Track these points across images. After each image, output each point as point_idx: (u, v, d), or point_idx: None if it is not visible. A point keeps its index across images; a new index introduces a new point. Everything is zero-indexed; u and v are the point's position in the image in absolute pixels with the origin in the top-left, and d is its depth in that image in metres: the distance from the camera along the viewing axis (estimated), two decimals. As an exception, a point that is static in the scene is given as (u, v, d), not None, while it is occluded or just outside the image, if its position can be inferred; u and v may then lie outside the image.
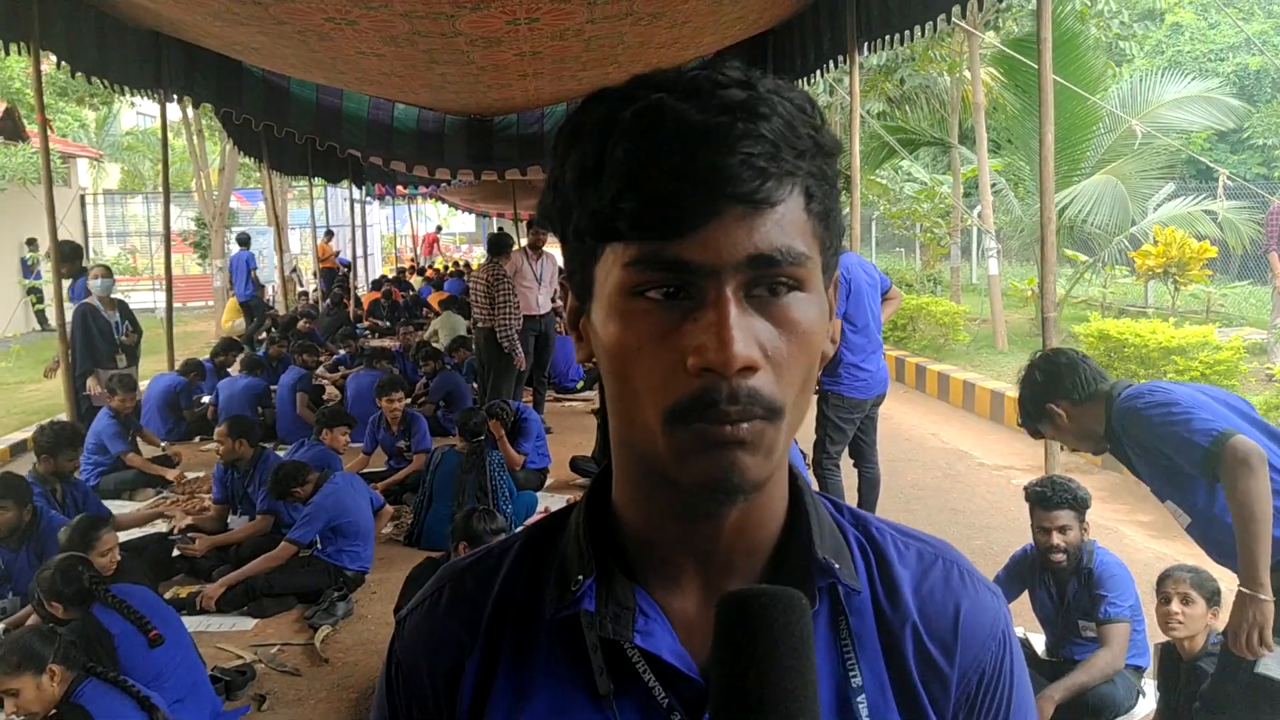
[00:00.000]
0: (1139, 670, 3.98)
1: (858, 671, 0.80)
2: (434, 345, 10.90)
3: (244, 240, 15.75)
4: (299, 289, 19.11)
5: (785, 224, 0.70)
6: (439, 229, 36.80)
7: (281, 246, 15.52)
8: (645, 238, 0.69)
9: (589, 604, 0.79)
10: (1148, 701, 3.88)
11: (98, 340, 8.03)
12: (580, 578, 0.80)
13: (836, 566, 0.80)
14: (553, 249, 10.46)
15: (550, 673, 0.81)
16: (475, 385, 9.35)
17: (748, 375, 0.69)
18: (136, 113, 32.00)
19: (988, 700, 0.84)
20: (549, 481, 7.37)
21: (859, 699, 0.79)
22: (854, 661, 0.80)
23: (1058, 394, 3.25)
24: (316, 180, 16.61)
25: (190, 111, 16.58)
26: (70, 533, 4.39)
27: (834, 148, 0.74)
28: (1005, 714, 0.85)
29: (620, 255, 0.71)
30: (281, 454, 6.68)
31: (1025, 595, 4.27)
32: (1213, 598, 3.38)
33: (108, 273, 8.34)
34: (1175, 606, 3.36)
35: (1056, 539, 3.91)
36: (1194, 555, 5.70)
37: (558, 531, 0.87)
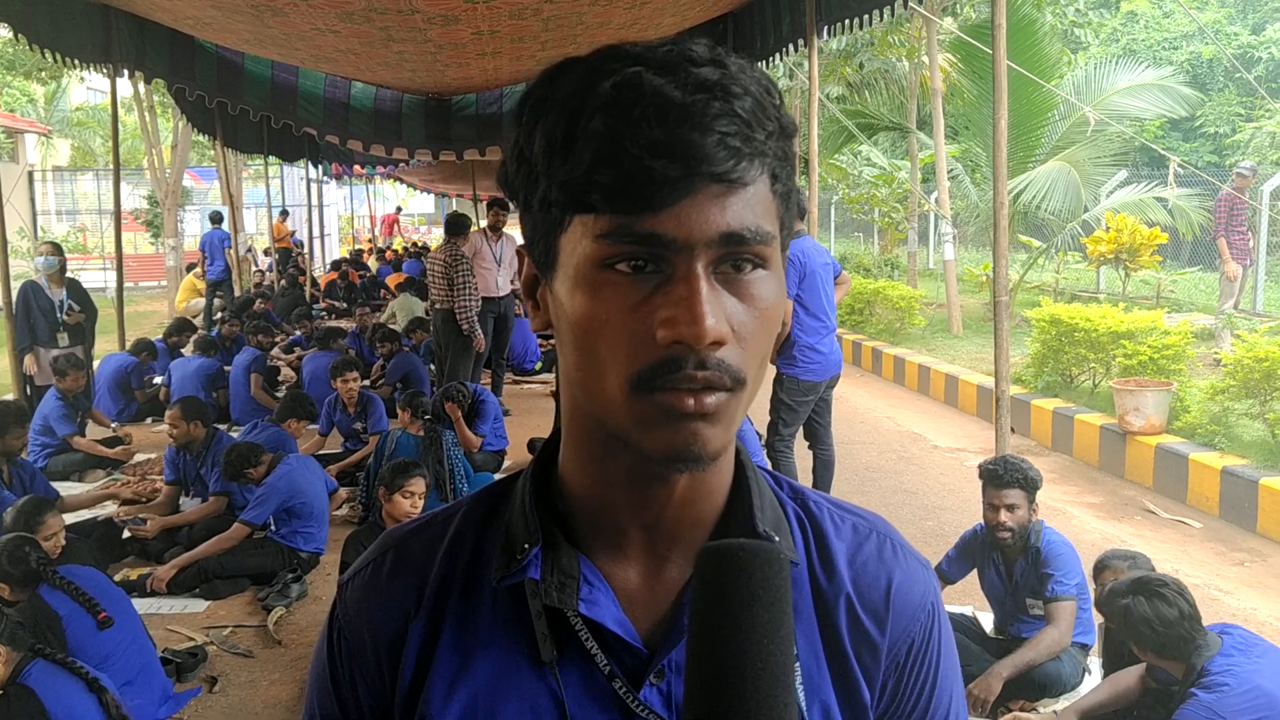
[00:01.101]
0: (1085, 648, 4.06)
1: (794, 641, 0.81)
2: (391, 327, 10.81)
3: (217, 219, 15.51)
4: (254, 269, 18.87)
5: (754, 203, 0.71)
6: (399, 210, 36.40)
7: (236, 226, 15.28)
8: (618, 210, 0.70)
9: (534, 572, 0.80)
10: (1093, 678, 3.96)
11: (38, 318, 7.91)
12: (526, 546, 0.80)
13: (776, 539, 0.81)
14: (512, 230, 10.42)
15: (494, 639, 0.82)
16: (433, 367, 9.30)
17: (716, 349, 0.70)
18: (86, 88, 31.38)
19: (916, 669, 0.86)
20: (506, 463, 7.35)
21: (794, 666, 0.80)
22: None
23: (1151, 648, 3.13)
24: (272, 159, 16.37)
25: (142, 87, 16.29)
26: (15, 515, 4.32)
27: (793, 129, 0.75)
28: (933, 682, 0.87)
29: (590, 227, 0.71)
30: (235, 436, 6.60)
31: (974, 574, 4.34)
32: None
33: (55, 250, 8.19)
34: None
35: (1005, 517, 3.98)
36: (1140, 537, 5.84)
37: (503, 499, 0.87)
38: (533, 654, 0.80)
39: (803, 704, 0.80)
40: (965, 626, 4.29)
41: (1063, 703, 3.85)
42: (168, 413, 6.14)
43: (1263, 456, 6.23)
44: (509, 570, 0.80)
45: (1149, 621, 3.02)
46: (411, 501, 4.44)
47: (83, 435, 7.59)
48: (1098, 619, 3.91)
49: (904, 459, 7.69)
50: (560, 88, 0.73)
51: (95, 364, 8.91)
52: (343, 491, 6.75)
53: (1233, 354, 6.78)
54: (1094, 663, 4.06)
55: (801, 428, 5.77)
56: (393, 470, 4.50)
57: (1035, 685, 3.88)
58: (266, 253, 19.52)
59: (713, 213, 0.69)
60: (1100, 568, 3.49)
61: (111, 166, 9.75)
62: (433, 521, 0.89)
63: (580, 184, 0.70)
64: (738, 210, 0.70)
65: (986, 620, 4.42)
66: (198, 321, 13.79)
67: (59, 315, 8.00)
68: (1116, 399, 7.11)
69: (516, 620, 0.82)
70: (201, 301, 15.54)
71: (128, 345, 9.57)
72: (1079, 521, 6.11)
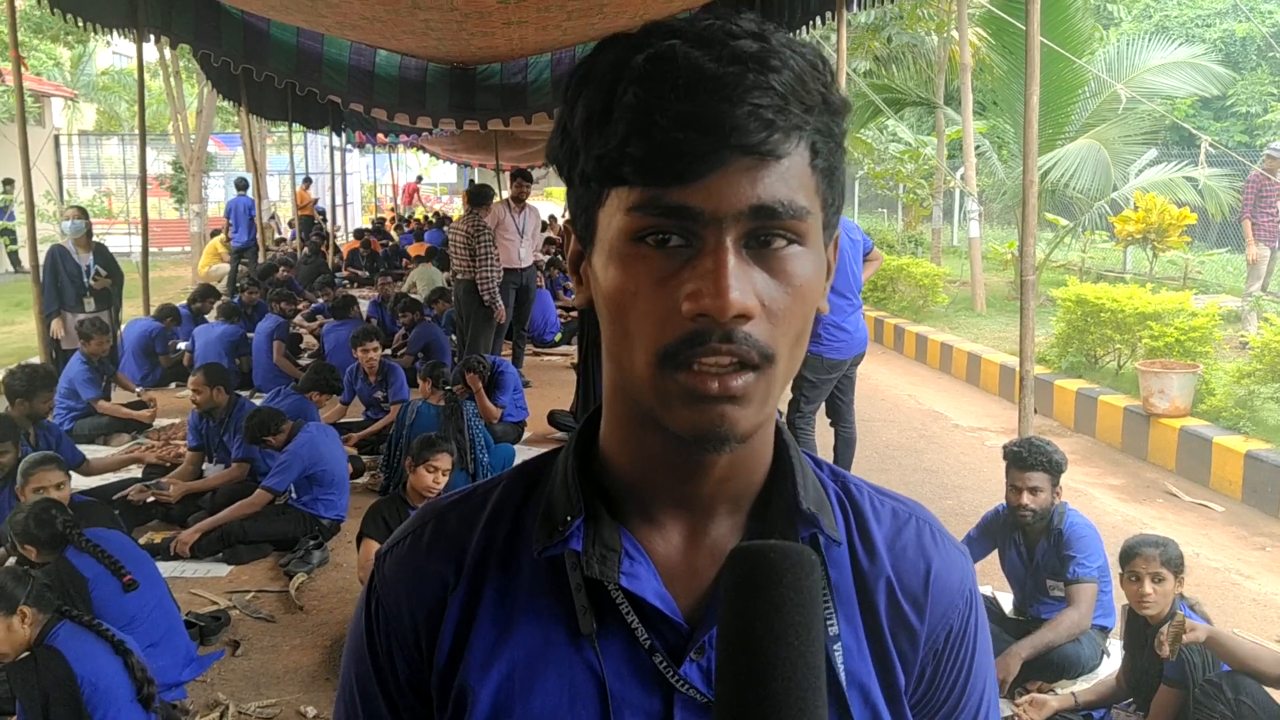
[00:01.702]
0: (1104, 630, 4.05)
1: (835, 621, 0.81)
2: (412, 296, 10.84)
3: (242, 185, 15.54)
4: (276, 236, 18.92)
5: (789, 177, 0.70)
6: (419, 179, 36.43)
7: (260, 193, 15.31)
8: (649, 183, 0.69)
9: (576, 544, 0.80)
10: (1112, 661, 3.95)
11: (66, 283, 7.96)
12: (569, 518, 0.80)
13: (820, 518, 0.81)
14: (535, 201, 10.40)
15: (533, 610, 0.82)
16: (454, 338, 9.32)
17: (741, 322, 0.69)
18: (112, 52, 31.47)
19: (953, 656, 0.86)
20: (526, 435, 7.37)
21: (835, 647, 0.80)
22: (832, 611, 0.81)
23: None
24: (296, 126, 16.37)
25: (168, 52, 16.29)
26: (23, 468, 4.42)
27: (842, 106, 0.74)
28: (969, 670, 0.87)
29: (624, 200, 0.71)
30: (257, 402, 6.64)
31: (994, 554, 4.33)
32: (1181, 567, 3.42)
33: (81, 214, 8.22)
34: (1148, 587, 3.38)
35: (1027, 499, 3.96)
36: (1162, 520, 5.81)
37: (543, 473, 0.87)
38: (571, 626, 0.80)
39: (844, 682, 0.80)
40: (985, 606, 4.27)
41: (1080, 684, 3.85)
42: (191, 378, 6.18)
43: (1288, 441, 6.18)
44: (550, 542, 0.80)
45: None
46: (434, 476, 4.46)
47: (108, 399, 7.65)
48: (1119, 601, 3.89)
49: (925, 437, 7.66)
50: (601, 62, 0.73)
51: (121, 328, 8.98)
52: (365, 459, 6.79)
53: (1260, 337, 6.71)
54: (1113, 645, 4.05)
55: (824, 404, 5.75)
56: (420, 444, 4.51)
57: (1054, 666, 3.88)
58: (291, 224, 19.56)
59: (743, 185, 0.69)
60: (1130, 555, 3.45)
61: (137, 131, 9.78)
62: (472, 494, 0.89)
63: (614, 157, 0.70)
64: (770, 183, 0.69)
65: (1006, 601, 4.41)
66: (221, 287, 13.86)
67: (86, 280, 8.05)
68: (1141, 381, 7.05)
69: (555, 592, 0.82)
70: (224, 267, 15.60)
71: (152, 310, 9.63)
72: (1100, 503, 6.08)
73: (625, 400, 0.79)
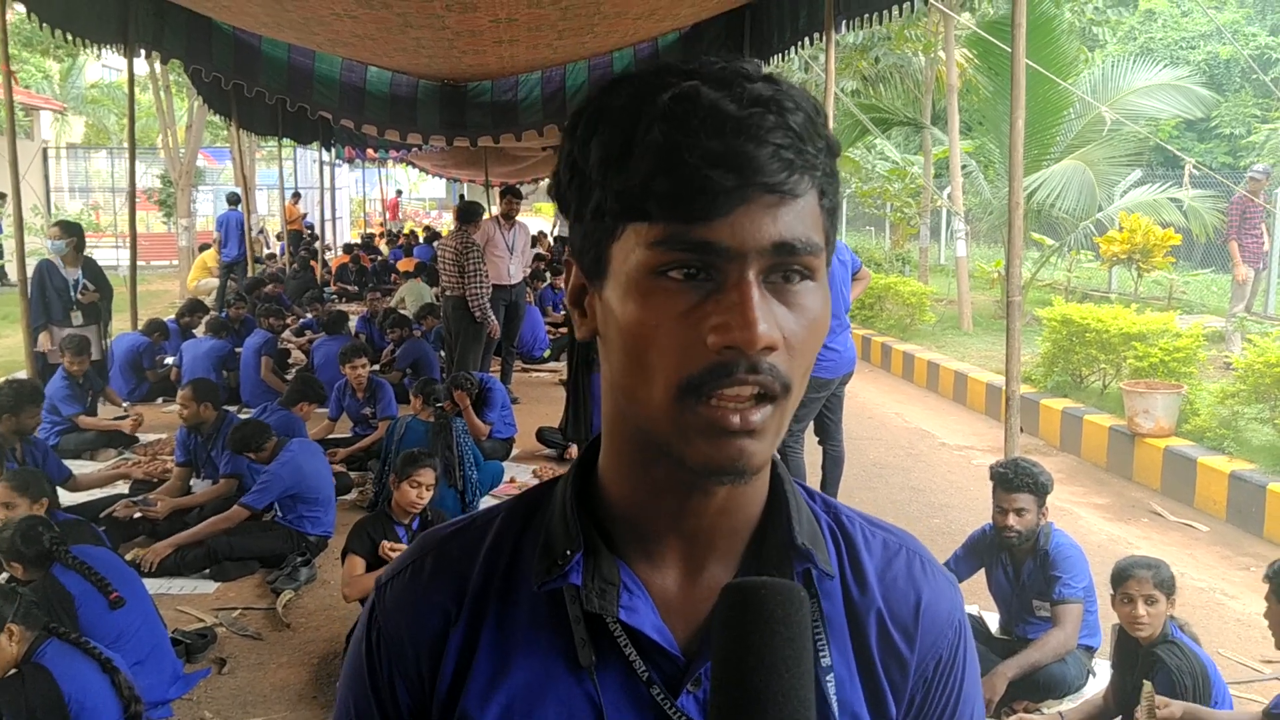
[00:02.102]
0: (1090, 650, 4.07)
1: (827, 652, 0.83)
2: (401, 312, 10.84)
3: (234, 200, 15.52)
4: (265, 250, 18.88)
5: (805, 215, 0.73)
6: (399, 193, 36.40)
7: (249, 208, 15.29)
8: (673, 218, 0.71)
9: (576, 578, 0.81)
10: (1098, 681, 3.97)
11: (53, 297, 7.96)
12: (568, 552, 0.81)
13: (814, 553, 0.83)
14: (525, 218, 10.42)
15: (532, 643, 0.83)
16: (443, 354, 9.32)
17: (767, 354, 0.71)
18: (102, 65, 31.39)
19: (942, 684, 0.88)
20: (515, 451, 7.38)
21: (828, 678, 0.82)
22: (824, 643, 0.83)
23: None
24: (285, 141, 16.37)
25: (157, 66, 16.30)
26: None
27: (838, 148, 0.77)
28: (957, 697, 0.89)
29: (644, 235, 0.73)
30: (245, 418, 6.62)
31: (981, 574, 4.35)
32: (1171, 589, 3.43)
33: (63, 233, 8.17)
34: (1141, 609, 3.40)
35: (1013, 520, 3.99)
36: (1147, 539, 5.84)
37: (541, 505, 0.88)
38: (570, 659, 0.82)
39: (835, 713, 0.82)
40: (971, 626, 4.29)
41: (1066, 704, 3.86)
42: (179, 393, 6.17)
43: (1271, 461, 6.22)
44: (549, 576, 0.82)
45: None
46: (418, 492, 4.46)
47: (93, 414, 7.62)
48: (1105, 621, 3.92)
49: (912, 456, 7.69)
50: (616, 100, 0.75)
51: (109, 342, 8.95)
52: (353, 475, 6.78)
53: (1243, 358, 6.77)
54: (1099, 665, 4.07)
55: (812, 423, 5.78)
56: (404, 460, 4.53)
57: (1040, 686, 3.89)
58: (279, 237, 19.53)
59: (765, 222, 0.71)
60: (1123, 576, 3.47)
61: (126, 145, 9.77)
62: (472, 525, 0.91)
63: (637, 192, 0.72)
64: (789, 221, 0.72)
65: (992, 620, 4.43)
66: (210, 301, 13.82)
67: (72, 294, 8.03)
68: (1126, 400, 7.10)
69: (555, 624, 0.83)
70: (213, 281, 15.56)
71: (140, 325, 9.60)
72: (1086, 522, 6.12)
73: (629, 432, 0.81)
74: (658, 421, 0.75)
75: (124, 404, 8.33)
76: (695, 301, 0.72)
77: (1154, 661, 3.36)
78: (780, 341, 0.72)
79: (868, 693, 0.85)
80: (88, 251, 8.74)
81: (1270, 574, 3.07)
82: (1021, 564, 4.10)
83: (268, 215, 25.50)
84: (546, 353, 11.24)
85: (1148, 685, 3.22)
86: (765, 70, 0.75)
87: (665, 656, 0.81)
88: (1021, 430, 5.55)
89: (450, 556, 0.88)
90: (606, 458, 0.85)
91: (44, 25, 7.09)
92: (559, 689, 0.81)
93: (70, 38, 7.58)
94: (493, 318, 8.35)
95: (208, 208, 26.10)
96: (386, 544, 4.32)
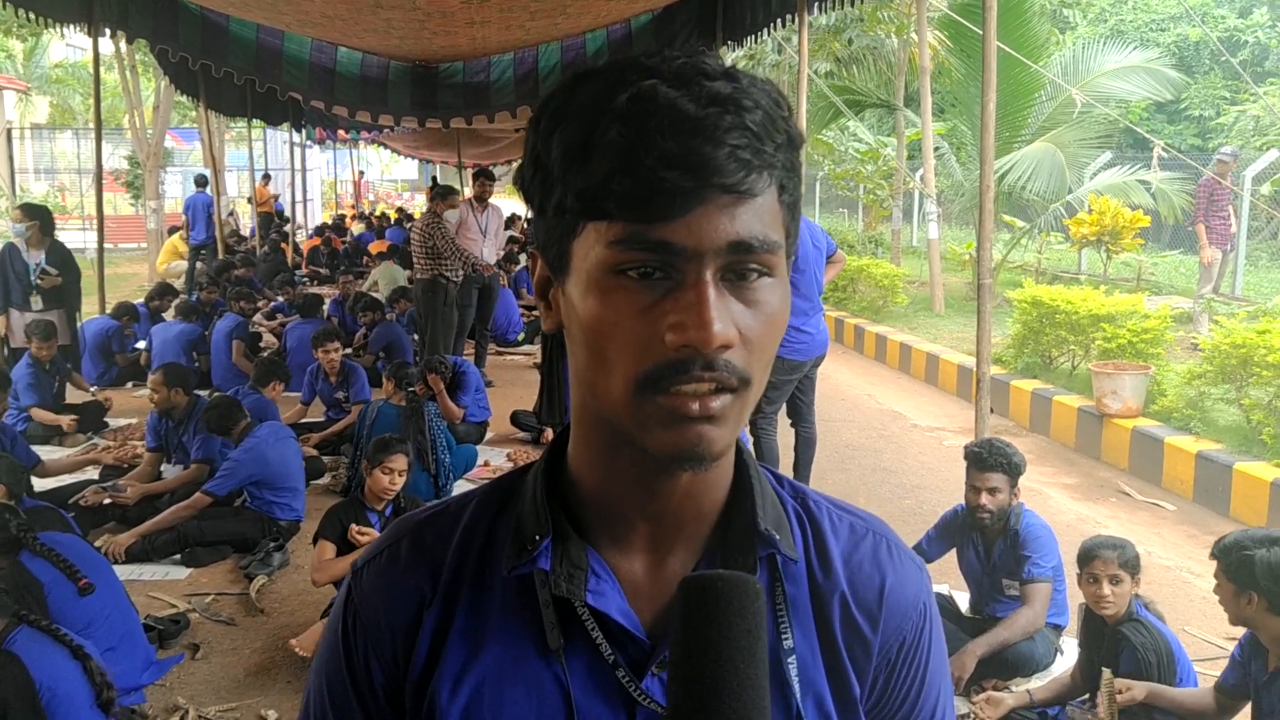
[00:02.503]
0: (1058, 629, 4.13)
1: (790, 635, 0.85)
2: (374, 295, 10.78)
3: (202, 182, 15.35)
4: (233, 230, 18.71)
5: (763, 213, 0.74)
6: (361, 174, 36.07)
7: (218, 189, 15.13)
8: (631, 218, 0.72)
9: (544, 563, 0.83)
10: (1066, 659, 4.03)
11: (13, 281, 7.88)
12: (537, 537, 0.83)
13: (777, 538, 0.85)
14: (498, 200, 10.37)
15: (503, 626, 0.85)
16: (416, 337, 9.28)
17: (723, 352, 0.73)
18: (66, 44, 30.89)
19: (906, 665, 0.90)
20: (489, 435, 7.37)
21: (789, 660, 0.84)
22: (787, 625, 0.85)
23: (1265, 594, 3.00)
24: (255, 122, 16.20)
25: (123, 46, 16.07)
26: None
27: (800, 140, 0.77)
28: (922, 678, 0.91)
29: (604, 233, 0.73)
30: (216, 402, 6.56)
31: (953, 553, 4.40)
32: (1136, 569, 3.48)
33: (26, 215, 8.04)
34: (1106, 589, 3.44)
35: (986, 500, 4.03)
36: (1115, 519, 5.91)
37: (514, 491, 0.90)
38: (540, 641, 0.83)
39: (797, 694, 0.84)
40: (941, 605, 4.32)
41: (1035, 682, 3.92)
42: (150, 378, 6.11)
43: (1237, 441, 6.32)
44: (520, 560, 0.84)
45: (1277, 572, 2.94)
46: (390, 478, 4.45)
47: (62, 399, 7.54)
48: (1073, 600, 3.97)
49: (884, 437, 7.74)
50: (578, 97, 0.75)
51: (80, 325, 8.85)
52: (326, 460, 6.75)
53: (1210, 339, 6.85)
54: (1067, 643, 4.13)
55: (785, 405, 5.80)
56: (375, 446, 4.51)
57: (1008, 665, 3.94)
58: (242, 214, 19.33)
59: (722, 222, 0.72)
60: (1089, 556, 3.52)
61: (92, 125, 9.65)
62: (446, 510, 0.92)
63: (596, 192, 0.72)
64: (746, 220, 0.73)
65: (963, 599, 4.47)
66: (179, 285, 13.69)
67: (32, 278, 7.93)
68: (1095, 381, 7.18)
69: (525, 608, 0.85)
70: (182, 264, 15.41)
71: (108, 308, 9.50)
72: (1055, 502, 6.19)
73: (596, 422, 0.82)
74: (619, 413, 0.76)
75: (92, 389, 8.24)
76: (654, 299, 0.73)
77: (1120, 640, 3.41)
78: (736, 339, 0.73)
79: (830, 672, 0.86)
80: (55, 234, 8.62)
81: (1217, 551, 3.10)
82: (992, 544, 4.15)
83: (237, 197, 25.24)
84: (520, 335, 11.22)
85: (1106, 672, 3.27)
86: (727, 65, 0.75)
87: (631, 640, 0.83)
88: (992, 411, 5.61)
89: (425, 541, 0.90)
90: (575, 445, 0.87)
91: (7, 4, 6.98)
92: (528, 671, 0.83)
93: (34, 17, 7.46)
94: (480, 259, 8.41)
95: (176, 189, 25.83)
96: (355, 528, 4.30)
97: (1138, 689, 3.22)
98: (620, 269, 0.73)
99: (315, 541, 4.38)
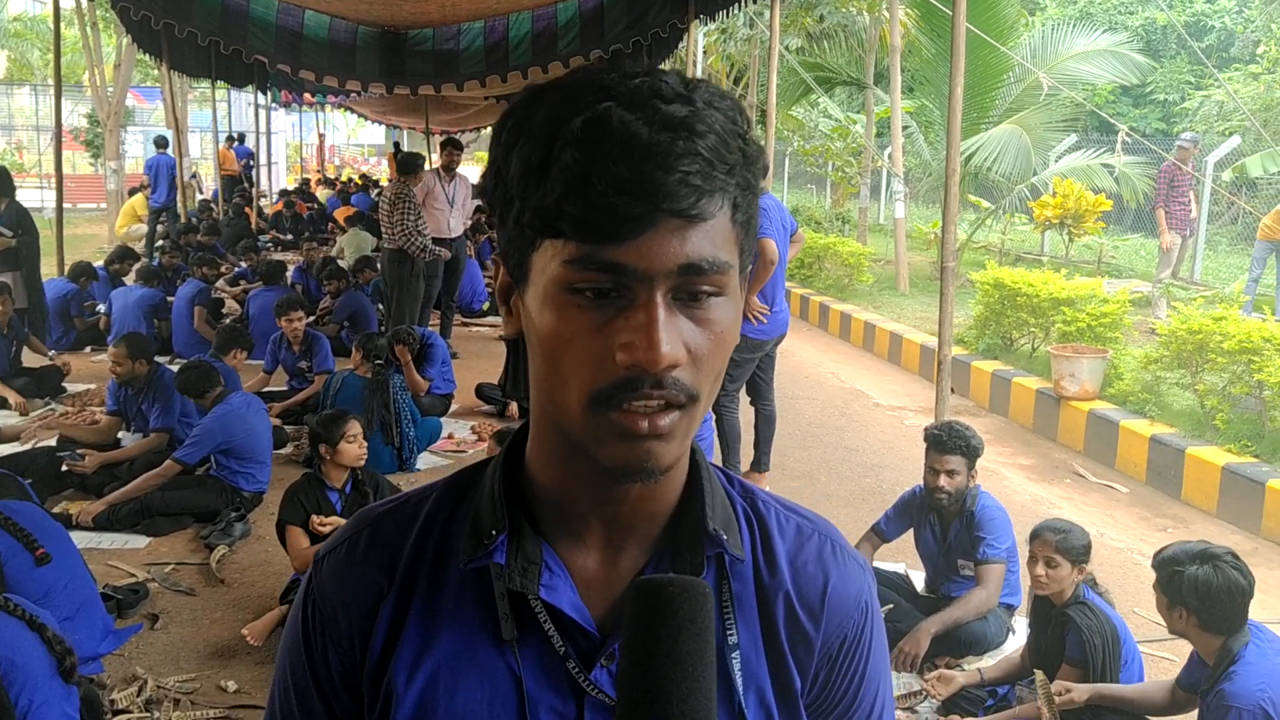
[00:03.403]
0: (1011, 609, 4.21)
1: (735, 631, 0.89)
2: (340, 263, 10.68)
3: (162, 143, 15.08)
4: (198, 196, 18.44)
5: (713, 235, 0.76)
6: (322, 137, 35.51)
7: (181, 151, 14.88)
8: (585, 240, 0.74)
9: (500, 557, 0.86)
10: (1017, 638, 4.11)
11: None
12: (494, 532, 0.86)
13: (725, 538, 0.88)
14: (466, 169, 10.30)
15: (457, 618, 0.88)
16: (381, 307, 9.22)
17: (671, 370, 0.75)
18: (24, -2, 30.21)
19: (847, 662, 0.94)
20: (454, 407, 7.36)
21: (733, 655, 0.88)
22: (732, 622, 0.89)
23: (1194, 611, 3.00)
24: (219, 83, 15.92)
25: (84, 1, 15.74)
26: None
27: (758, 155, 0.79)
28: (862, 674, 0.96)
29: (559, 251, 0.76)
30: (175, 368, 6.48)
31: (910, 532, 4.46)
32: (1081, 556, 3.54)
33: None
34: (1040, 569, 3.53)
35: (944, 481, 4.09)
36: (1069, 500, 6.02)
37: (473, 485, 0.93)
38: (494, 633, 0.87)
39: (740, 688, 0.87)
40: (897, 584, 4.42)
41: (986, 660, 4.00)
42: (111, 350, 6.03)
43: (1190, 426, 6.44)
44: (476, 554, 0.86)
45: (1212, 590, 2.92)
46: (357, 444, 4.45)
47: (18, 364, 7.43)
48: (1026, 581, 4.04)
49: (846, 415, 7.82)
50: (536, 116, 0.77)
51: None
52: (289, 429, 6.71)
53: (1168, 324, 6.96)
54: (1019, 622, 4.21)
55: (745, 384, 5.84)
56: (326, 423, 4.45)
57: (961, 643, 4.02)
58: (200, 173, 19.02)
59: (672, 245, 0.74)
60: (1033, 536, 3.59)
61: (51, 82, 9.45)
62: (406, 503, 0.95)
63: (551, 212, 0.75)
64: (696, 243, 0.75)
65: (918, 579, 4.55)
66: (140, 248, 13.49)
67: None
68: (1053, 364, 7.28)
69: (480, 601, 0.88)
70: (142, 228, 15.17)
71: (67, 270, 9.36)
72: (1011, 483, 6.29)
73: (553, 428, 0.85)
74: (574, 425, 0.79)
75: (49, 353, 8.14)
76: (607, 317, 0.76)
77: (1066, 621, 3.49)
78: (684, 358, 0.76)
79: (772, 667, 0.90)
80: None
81: (1155, 564, 3.13)
82: (949, 525, 4.22)
83: (200, 159, 24.85)
84: (485, 306, 11.16)
85: (1040, 675, 3.34)
86: (684, 83, 0.77)
87: (582, 633, 0.86)
88: (952, 391, 5.67)
89: (384, 533, 0.93)
90: (534, 445, 0.89)
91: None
92: (482, 661, 0.87)
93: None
94: (437, 249, 8.35)
95: (138, 149, 25.38)
96: (316, 519, 4.26)
97: (1078, 691, 3.27)
98: (575, 288, 0.76)
99: (279, 528, 4.33)
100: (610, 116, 0.73)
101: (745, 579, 0.91)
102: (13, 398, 7.00)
